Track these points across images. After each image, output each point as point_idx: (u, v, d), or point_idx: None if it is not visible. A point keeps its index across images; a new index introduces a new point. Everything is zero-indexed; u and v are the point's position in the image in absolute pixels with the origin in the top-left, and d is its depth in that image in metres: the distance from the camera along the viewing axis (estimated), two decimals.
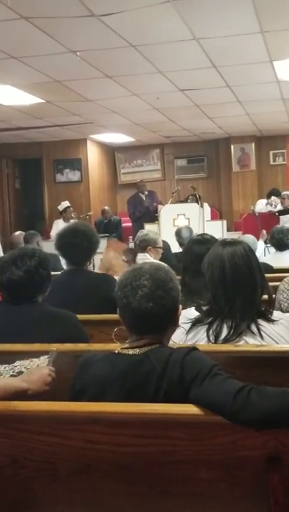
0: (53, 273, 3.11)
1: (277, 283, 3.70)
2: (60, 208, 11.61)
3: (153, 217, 10.99)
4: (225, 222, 10.85)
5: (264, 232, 7.63)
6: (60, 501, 1.96)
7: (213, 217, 11.71)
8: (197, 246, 3.52)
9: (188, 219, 9.95)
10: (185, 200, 12.41)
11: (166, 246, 6.10)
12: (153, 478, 1.86)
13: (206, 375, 1.86)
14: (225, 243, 2.64)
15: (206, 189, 14.42)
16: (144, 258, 5.21)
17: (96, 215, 12.89)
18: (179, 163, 14.79)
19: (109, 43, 6.33)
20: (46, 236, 11.11)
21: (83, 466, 1.89)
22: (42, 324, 2.83)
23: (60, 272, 4.25)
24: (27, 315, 2.85)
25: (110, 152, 14.77)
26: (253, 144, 13.91)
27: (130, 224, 12.71)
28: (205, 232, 7.60)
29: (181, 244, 6.57)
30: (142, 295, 2.01)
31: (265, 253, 7.84)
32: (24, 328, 2.79)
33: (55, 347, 2.49)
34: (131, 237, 10.32)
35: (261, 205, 11.79)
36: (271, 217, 10.72)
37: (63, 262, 4.91)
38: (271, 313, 2.59)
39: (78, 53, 6.66)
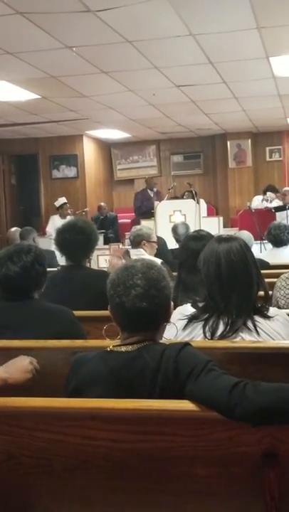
0: (48, 269, 3.11)
1: (273, 279, 3.71)
2: (57, 204, 11.60)
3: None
4: (221, 218, 10.85)
5: None
6: (56, 497, 1.96)
7: (210, 214, 11.71)
8: (193, 242, 3.53)
9: (185, 215, 9.94)
10: (181, 197, 12.40)
11: (162, 242, 6.10)
12: (149, 474, 1.86)
13: (201, 371, 1.86)
14: (221, 239, 2.63)
15: (202, 185, 14.42)
16: (139, 253, 5.20)
17: (92, 211, 12.88)
18: (175, 159, 14.78)
19: (105, 38, 6.31)
20: (42, 232, 11.10)
21: (80, 462, 1.89)
22: (39, 320, 2.83)
23: (56, 269, 4.25)
24: (23, 311, 2.85)
25: (106, 148, 14.76)
26: (250, 140, 13.91)
27: (126, 220, 12.71)
28: (201, 228, 7.60)
29: (177, 241, 6.58)
30: (136, 295, 2.01)
31: (261, 249, 7.86)
32: (21, 324, 2.79)
33: (51, 343, 2.49)
34: (128, 233, 10.31)
35: (257, 202, 11.80)
36: (267, 214, 10.73)
37: (59, 259, 4.91)
38: (267, 309, 2.60)
39: (74, 49, 6.65)
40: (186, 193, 12.09)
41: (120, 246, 8.48)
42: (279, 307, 3.51)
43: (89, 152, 13.79)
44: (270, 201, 11.48)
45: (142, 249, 5.36)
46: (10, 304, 2.88)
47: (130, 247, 5.68)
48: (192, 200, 10.72)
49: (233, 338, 2.48)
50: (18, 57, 6.95)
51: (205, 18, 5.85)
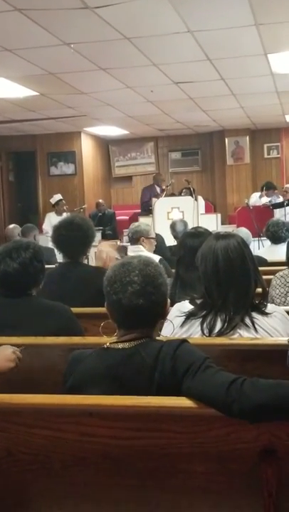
0: (47, 266, 3.11)
1: (271, 276, 3.71)
2: (53, 201, 11.58)
3: None
4: (219, 215, 10.85)
5: None
6: (54, 494, 1.96)
7: (208, 211, 11.71)
8: (191, 239, 3.53)
9: (183, 212, 9.94)
10: (179, 194, 12.40)
11: (160, 239, 6.11)
12: (147, 471, 1.87)
13: (199, 368, 1.86)
14: (218, 236, 2.64)
15: (200, 182, 14.42)
16: (137, 250, 5.21)
17: (90, 208, 12.87)
18: (173, 156, 14.78)
19: (103, 35, 6.30)
20: (39, 230, 11.08)
21: (78, 458, 1.90)
22: (36, 317, 2.83)
23: (54, 265, 4.25)
24: (21, 308, 2.85)
25: (104, 145, 14.74)
26: (248, 137, 13.90)
27: (124, 217, 12.71)
28: (199, 225, 7.60)
29: (175, 238, 6.58)
30: (132, 292, 2.01)
31: (259, 246, 7.87)
32: (19, 321, 2.79)
33: (49, 340, 2.49)
34: (126, 230, 10.31)
35: (255, 199, 11.81)
36: (265, 211, 10.74)
37: (58, 257, 4.91)
38: (265, 306, 2.60)
39: (72, 45, 6.64)
40: (184, 190, 12.10)
41: (118, 243, 8.47)
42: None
43: (87, 149, 13.77)
44: (270, 198, 11.46)
45: (140, 246, 5.36)
46: (8, 300, 2.88)
47: (129, 244, 5.69)
48: (190, 197, 10.72)
49: (230, 335, 2.48)
50: (16, 54, 6.94)
51: (203, 14, 5.84)
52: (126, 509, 1.91)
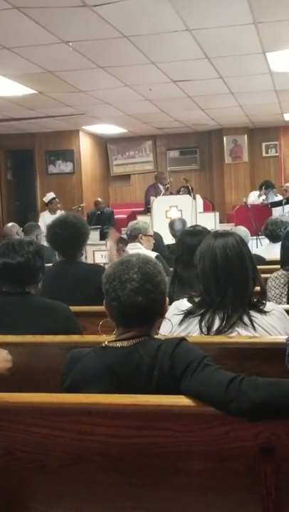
0: (46, 265, 3.11)
1: (269, 275, 3.71)
2: (46, 199, 11.54)
3: None
4: (217, 214, 10.85)
5: None
6: (53, 493, 1.96)
7: (206, 209, 11.70)
8: (189, 237, 3.53)
9: (181, 211, 9.94)
10: (177, 192, 12.40)
11: (158, 237, 6.11)
12: (146, 470, 1.87)
13: (197, 367, 1.86)
14: (217, 235, 2.64)
15: (199, 181, 14.42)
16: (135, 247, 5.22)
17: (88, 206, 12.87)
18: (172, 154, 14.77)
19: (101, 33, 6.30)
20: None
21: (76, 457, 1.90)
22: (35, 315, 2.83)
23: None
24: (20, 306, 2.85)
25: (103, 143, 14.73)
26: (246, 136, 13.90)
27: (123, 216, 12.70)
28: (197, 224, 7.61)
29: (174, 236, 6.58)
30: (131, 289, 2.01)
31: (257, 245, 7.87)
32: (17, 319, 2.79)
33: (48, 339, 2.49)
34: (124, 228, 10.31)
35: (254, 197, 11.81)
36: (263, 209, 10.74)
37: (58, 256, 4.90)
38: (264, 304, 2.60)
39: (70, 44, 6.63)
40: (183, 189, 12.10)
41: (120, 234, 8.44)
42: None
43: (85, 147, 13.76)
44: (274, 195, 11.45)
45: (138, 244, 5.37)
46: (6, 298, 2.87)
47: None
48: (188, 195, 10.72)
49: (229, 333, 2.48)
50: (15, 52, 6.93)
51: (202, 13, 5.83)
52: (125, 507, 1.91)
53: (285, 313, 2.64)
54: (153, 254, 4.81)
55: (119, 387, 1.92)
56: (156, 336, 2.12)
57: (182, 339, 2.00)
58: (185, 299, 2.71)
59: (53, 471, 1.92)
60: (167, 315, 2.39)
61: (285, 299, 3.54)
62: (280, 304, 3.50)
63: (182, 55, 7.31)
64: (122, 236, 5.52)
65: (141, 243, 5.38)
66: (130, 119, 12.00)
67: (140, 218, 9.00)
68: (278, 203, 10.72)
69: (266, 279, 3.55)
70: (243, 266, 2.54)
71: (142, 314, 2.04)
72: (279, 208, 10.49)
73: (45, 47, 6.72)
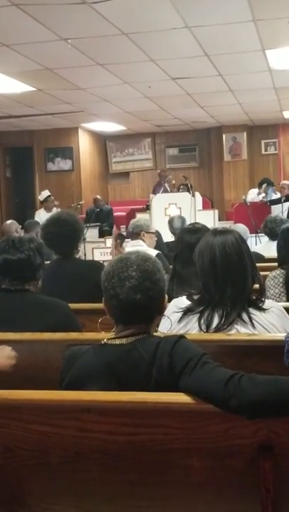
0: (46, 262, 3.11)
1: (268, 272, 3.71)
2: (41, 197, 11.52)
3: None
4: (216, 211, 10.85)
5: None
6: (52, 490, 1.96)
7: (205, 207, 11.69)
8: (188, 235, 3.53)
9: (180, 208, 9.93)
10: (176, 190, 12.40)
11: (157, 235, 6.10)
12: (145, 467, 1.87)
13: (196, 364, 1.86)
14: (216, 232, 2.63)
15: (198, 178, 14.42)
16: (137, 245, 5.21)
17: (87, 204, 12.86)
18: (171, 152, 14.77)
19: (100, 30, 6.29)
20: None
21: (75, 454, 1.90)
22: (34, 313, 2.83)
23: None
24: (19, 303, 2.85)
25: (102, 141, 14.73)
26: (245, 133, 13.90)
27: (122, 213, 12.69)
28: (197, 221, 7.60)
29: (173, 234, 6.58)
30: (130, 287, 2.00)
31: (256, 242, 7.87)
32: (16, 316, 2.79)
33: (47, 336, 2.49)
34: (123, 226, 10.31)
35: (253, 195, 11.81)
36: (262, 207, 10.74)
37: None
38: (262, 302, 2.60)
39: (70, 41, 6.63)
40: (182, 186, 12.10)
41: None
42: None
43: (84, 145, 13.75)
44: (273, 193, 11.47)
45: (140, 241, 5.36)
46: (6, 295, 2.87)
47: (129, 239, 5.70)
48: (187, 193, 10.72)
49: (228, 331, 2.48)
50: (14, 49, 6.92)
51: (201, 10, 5.83)
52: (123, 504, 1.91)
53: (284, 311, 2.64)
54: (154, 252, 4.81)
55: (118, 385, 1.92)
56: (155, 334, 2.12)
57: (181, 337, 2.00)
58: (184, 297, 2.71)
59: (53, 468, 1.93)
60: (166, 312, 2.39)
61: (284, 298, 3.53)
62: (279, 302, 3.50)
63: (181, 52, 7.31)
64: (121, 232, 5.52)
65: (143, 240, 5.37)
66: (129, 117, 11.99)
67: (139, 216, 9.00)
68: (277, 201, 10.73)
69: (265, 276, 3.54)
70: (241, 263, 2.53)
71: (140, 312, 2.04)
72: (278, 206, 10.49)
73: (44, 44, 6.72)
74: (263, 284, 2.70)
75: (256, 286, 2.65)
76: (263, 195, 11.55)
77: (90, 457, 1.89)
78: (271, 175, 13.58)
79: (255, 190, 12.09)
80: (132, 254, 2.11)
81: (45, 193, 11.45)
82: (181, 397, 1.82)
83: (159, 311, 2.14)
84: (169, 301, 2.57)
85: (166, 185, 11.82)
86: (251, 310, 2.53)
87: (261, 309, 2.56)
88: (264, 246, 6.08)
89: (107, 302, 2.08)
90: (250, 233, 6.97)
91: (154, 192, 11.80)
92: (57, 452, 1.91)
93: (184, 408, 1.82)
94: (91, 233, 10.33)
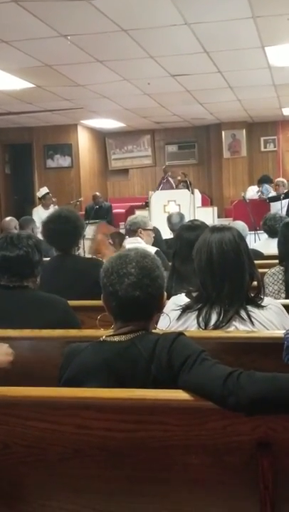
0: (44, 259, 3.11)
1: (267, 270, 3.71)
2: (39, 194, 11.50)
3: None
4: (215, 208, 10.86)
5: None
6: (50, 486, 1.97)
7: (204, 204, 11.71)
8: (187, 232, 3.53)
9: (179, 205, 9.93)
10: (176, 187, 12.40)
11: (156, 232, 6.10)
12: (143, 464, 1.87)
13: (195, 361, 1.86)
14: (213, 229, 2.64)
15: (197, 175, 14.41)
16: (135, 242, 5.21)
17: (86, 200, 12.85)
18: (170, 149, 14.76)
19: (100, 27, 6.28)
20: None
21: (74, 451, 1.90)
22: (33, 309, 2.82)
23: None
24: (18, 300, 2.85)
25: (101, 138, 14.72)
26: (244, 130, 13.90)
27: (121, 210, 12.69)
28: (196, 218, 7.60)
29: (172, 230, 6.58)
30: (129, 283, 2.00)
31: (255, 239, 7.87)
32: (15, 313, 2.78)
33: (46, 333, 2.49)
34: (122, 223, 10.31)
35: (252, 192, 11.81)
36: (262, 204, 10.74)
37: (55, 250, 4.89)
38: (261, 299, 2.60)
39: (69, 37, 6.62)
40: (181, 183, 12.09)
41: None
42: None
43: (83, 142, 13.75)
44: (266, 192, 11.51)
45: (138, 238, 5.36)
46: (4, 292, 2.87)
47: (127, 236, 5.70)
48: (187, 190, 10.72)
49: (226, 328, 2.48)
50: (13, 46, 6.91)
51: (200, 7, 5.82)
52: (122, 501, 1.91)
53: (283, 308, 2.64)
54: (153, 250, 4.80)
55: (117, 382, 1.92)
56: (154, 331, 2.12)
57: (180, 334, 2.00)
58: (183, 294, 2.71)
59: (51, 464, 1.93)
60: (165, 310, 2.39)
61: (283, 295, 3.53)
62: (278, 299, 3.50)
63: (181, 49, 7.30)
64: (120, 231, 5.51)
65: (141, 237, 5.37)
66: (128, 114, 11.98)
67: (138, 213, 9.00)
68: (276, 198, 10.73)
69: (264, 274, 3.55)
70: (239, 261, 2.53)
71: (139, 309, 2.04)
72: (277, 203, 10.49)
73: (43, 40, 6.71)
74: (262, 281, 2.69)
75: (255, 283, 2.65)
76: (260, 193, 11.57)
77: (88, 454, 1.89)
78: (270, 172, 13.58)
79: (255, 188, 12.09)
80: (131, 251, 2.11)
81: (44, 190, 11.44)
82: (179, 394, 1.82)
83: (158, 308, 2.14)
84: (168, 298, 2.57)
85: (172, 180, 11.81)
86: (250, 307, 2.53)
87: (260, 306, 2.56)
88: (263, 243, 6.08)
89: (105, 299, 2.08)
90: (250, 230, 6.98)
91: (160, 187, 11.77)
92: (55, 449, 1.91)
93: (182, 405, 1.82)
94: (90, 230, 10.32)
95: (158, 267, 2.09)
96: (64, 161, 13.52)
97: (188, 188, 10.94)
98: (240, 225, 5.63)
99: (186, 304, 2.62)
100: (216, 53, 7.61)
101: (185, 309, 2.60)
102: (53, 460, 1.92)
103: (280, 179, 11.67)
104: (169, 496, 1.89)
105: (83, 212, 11.72)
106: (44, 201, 11.22)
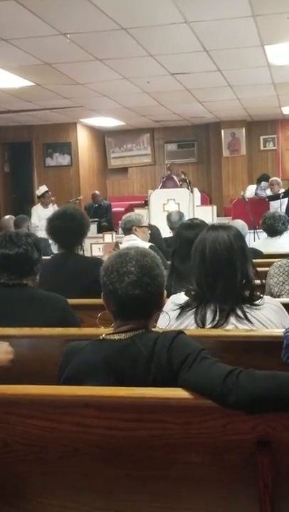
0: (43, 257, 3.11)
1: (266, 268, 3.71)
2: (39, 192, 11.48)
3: None
4: (215, 207, 10.86)
5: None
6: (50, 485, 1.97)
7: (203, 203, 11.71)
8: (186, 231, 3.53)
9: (178, 204, 9.93)
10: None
11: (155, 231, 6.11)
12: (143, 462, 1.87)
13: (195, 359, 1.86)
14: (209, 228, 2.64)
15: (196, 174, 14.41)
16: (131, 239, 5.24)
17: (86, 199, 12.86)
18: (169, 147, 14.76)
19: (100, 25, 6.28)
20: None
21: (73, 449, 1.90)
22: (32, 308, 2.82)
23: (49, 257, 4.24)
24: (17, 298, 2.85)
25: (100, 136, 14.71)
26: (244, 129, 13.89)
27: (120, 209, 12.69)
28: (195, 217, 7.60)
29: (171, 229, 6.58)
30: (129, 282, 2.00)
31: (254, 238, 7.87)
32: (14, 311, 2.78)
33: (45, 331, 2.49)
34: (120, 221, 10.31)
35: (251, 191, 11.82)
36: (261, 203, 10.75)
37: (54, 248, 4.90)
38: (259, 298, 2.59)
39: (69, 36, 6.61)
40: (181, 182, 12.09)
41: (114, 236, 8.47)
42: (272, 294, 3.51)
43: (83, 140, 13.74)
44: (264, 190, 11.53)
45: (133, 235, 5.39)
46: (4, 290, 2.87)
47: (122, 235, 5.72)
48: (186, 189, 10.72)
49: (223, 327, 2.48)
50: (12, 44, 6.91)
51: (200, 5, 5.82)
52: (122, 499, 1.91)
53: (282, 307, 2.64)
54: (147, 245, 4.83)
55: (117, 380, 1.92)
56: (153, 329, 2.13)
57: (180, 332, 2.00)
58: (182, 293, 2.71)
59: (51, 463, 1.93)
60: (165, 308, 2.39)
61: (288, 287, 3.53)
62: (281, 291, 3.51)
63: (180, 47, 7.30)
64: (117, 242, 5.54)
65: (136, 235, 5.40)
66: (128, 112, 11.97)
67: (137, 211, 9.00)
68: (276, 197, 10.74)
69: (264, 272, 3.54)
70: (230, 260, 2.52)
71: (139, 307, 2.04)
72: (277, 202, 10.50)
73: (43, 39, 6.70)
74: (254, 280, 2.67)
75: (258, 282, 2.65)
76: (257, 191, 11.59)
77: (88, 452, 1.89)
78: (270, 171, 13.58)
79: (254, 186, 12.10)
80: (131, 249, 2.12)
81: (43, 189, 11.43)
82: (179, 393, 1.83)
83: (158, 306, 2.14)
84: (168, 296, 2.57)
85: (176, 178, 11.80)
86: (247, 306, 2.53)
87: (259, 305, 2.55)
88: (262, 242, 6.08)
89: (105, 297, 2.08)
90: (249, 229, 6.98)
91: (164, 186, 11.75)
92: (55, 447, 1.91)
93: (182, 403, 1.82)
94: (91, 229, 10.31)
95: (158, 266, 2.09)
96: (63, 160, 13.52)
97: (187, 186, 10.95)
98: (239, 224, 5.62)
99: (184, 302, 2.62)
100: (215, 52, 7.61)
101: (183, 308, 2.60)
102: (52, 458, 1.92)
103: (275, 178, 11.74)
104: (169, 494, 1.89)
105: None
106: (43, 200, 11.21)
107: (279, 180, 11.67)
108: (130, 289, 2.00)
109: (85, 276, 3.58)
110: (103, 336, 2.04)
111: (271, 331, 2.46)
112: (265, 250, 5.37)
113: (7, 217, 8.79)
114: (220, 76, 8.98)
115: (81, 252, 4.09)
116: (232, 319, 2.50)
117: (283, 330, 2.27)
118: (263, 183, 11.71)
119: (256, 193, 11.58)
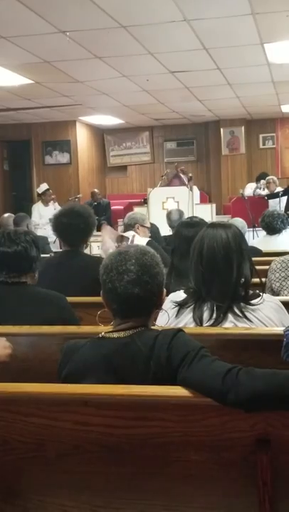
0: (42, 255, 3.11)
1: (266, 266, 3.71)
2: (39, 190, 11.47)
3: None
4: (214, 205, 10.85)
5: None
6: (49, 482, 1.97)
7: (202, 201, 11.70)
8: (186, 229, 3.53)
9: (178, 202, 9.93)
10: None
11: (154, 229, 6.11)
12: (142, 460, 1.87)
13: (194, 357, 1.86)
14: (209, 226, 2.64)
15: (196, 172, 14.38)
16: (130, 234, 5.27)
17: (85, 197, 12.84)
18: (169, 146, 14.74)
19: (99, 23, 6.27)
20: None
21: (73, 447, 1.90)
22: (31, 305, 2.82)
23: (48, 255, 4.25)
24: (16, 296, 2.85)
25: (99, 134, 14.70)
26: (243, 127, 13.88)
27: (119, 207, 12.69)
28: (194, 215, 7.60)
29: (170, 227, 6.59)
30: (128, 280, 2.00)
31: (253, 236, 7.88)
32: (13, 309, 2.78)
33: (45, 329, 2.49)
34: (120, 220, 10.30)
35: (250, 189, 11.83)
36: (260, 201, 10.75)
37: (53, 246, 4.91)
38: (257, 296, 2.59)
39: (68, 33, 6.60)
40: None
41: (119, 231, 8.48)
42: (272, 289, 3.52)
43: (82, 138, 13.73)
44: (263, 189, 11.55)
45: (133, 232, 5.40)
46: (3, 288, 2.87)
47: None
48: (185, 187, 10.72)
49: (221, 325, 2.48)
50: (12, 42, 6.90)
51: (200, 3, 5.81)
52: (121, 497, 1.91)
53: (281, 305, 2.64)
54: (144, 241, 4.86)
55: (116, 378, 1.92)
56: (153, 327, 2.13)
57: (179, 330, 2.00)
58: (181, 291, 2.71)
59: (50, 461, 1.93)
60: (164, 306, 2.39)
61: None
62: (283, 286, 3.51)
63: (180, 45, 7.29)
64: (123, 234, 5.54)
65: (137, 232, 5.42)
66: (127, 110, 11.96)
67: (137, 210, 9.00)
68: (275, 195, 10.74)
69: (263, 270, 3.55)
70: (226, 258, 2.52)
71: (139, 305, 2.04)
72: (276, 200, 10.50)
73: (42, 37, 6.70)
74: (250, 279, 2.66)
75: (256, 280, 2.65)
76: (256, 190, 11.60)
77: (87, 450, 1.90)
78: (269, 169, 13.58)
79: (253, 185, 12.10)
80: (131, 247, 2.12)
81: (44, 186, 11.42)
82: (179, 391, 1.83)
83: (158, 304, 2.14)
84: (168, 294, 2.57)
85: (183, 176, 11.79)
86: (246, 304, 2.53)
87: (258, 303, 2.55)
88: (261, 240, 6.08)
89: (105, 295, 2.08)
90: (248, 227, 6.99)
91: (171, 184, 11.73)
92: (54, 445, 1.91)
93: (181, 401, 1.83)
94: None
95: (158, 264, 2.09)
96: (62, 158, 13.50)
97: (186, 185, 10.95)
98: (239, 222, 5.63)
99: (182, 300, 2.62)
100: (215, 50, 7.60)
101: (181, 305, 2.60)
102: (52, 456, 1.93)
103: (271, 177, 11.75)
104: (168, 492, 1.89)
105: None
106: (44, 197, 11.20)
107: (275, 178, 11.68)
108: (130, 288, 2.00)
109: (87, 275, 3.58)
110: (102, 334, 2.04)
111: (270, 329, 2.46)
112: (264, 248, 5.38)
113: (6, 215, 8.79)
114: (219, 74, 8.97)
115: (89, 251, 4.08)
116: (231, 317, 2.50)
117: (283, 328, 2.28)
118: (262, 182, 11.72)
119: (254, 193, 11.59)
